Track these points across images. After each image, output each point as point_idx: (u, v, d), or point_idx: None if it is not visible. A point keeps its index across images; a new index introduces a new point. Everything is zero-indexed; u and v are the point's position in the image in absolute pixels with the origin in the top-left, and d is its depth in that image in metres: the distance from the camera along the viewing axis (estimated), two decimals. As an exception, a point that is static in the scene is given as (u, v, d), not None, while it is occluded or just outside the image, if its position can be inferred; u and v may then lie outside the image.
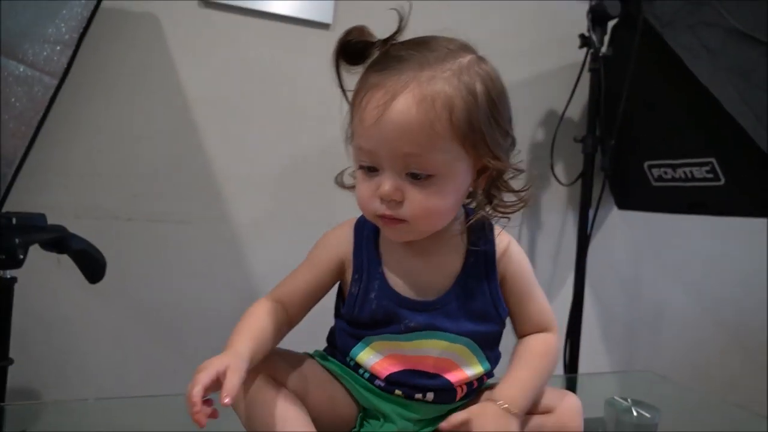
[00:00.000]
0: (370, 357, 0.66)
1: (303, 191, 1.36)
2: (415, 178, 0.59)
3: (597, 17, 1.40)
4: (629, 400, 0.89)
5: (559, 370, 1.47)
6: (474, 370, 0.67)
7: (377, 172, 0.61)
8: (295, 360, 0.67)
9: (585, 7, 1.42)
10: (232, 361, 0.54)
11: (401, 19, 0.62)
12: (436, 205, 0.61)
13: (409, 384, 0.65)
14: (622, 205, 1.62)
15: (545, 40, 1.57)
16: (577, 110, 1.59)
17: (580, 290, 1.47)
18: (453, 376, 0.66)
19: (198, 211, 1.30)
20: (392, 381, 0.65)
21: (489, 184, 0.65)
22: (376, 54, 0.62)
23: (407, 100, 0.57)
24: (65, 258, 1.01)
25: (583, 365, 1.48)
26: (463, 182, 0.63)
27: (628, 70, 1.34)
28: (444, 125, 0.58)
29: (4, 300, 0.92)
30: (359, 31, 0.62)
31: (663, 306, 1.78)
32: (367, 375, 0.67)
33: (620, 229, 1.72)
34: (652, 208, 1.53)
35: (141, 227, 1.26)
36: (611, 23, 1.44)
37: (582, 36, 1.43)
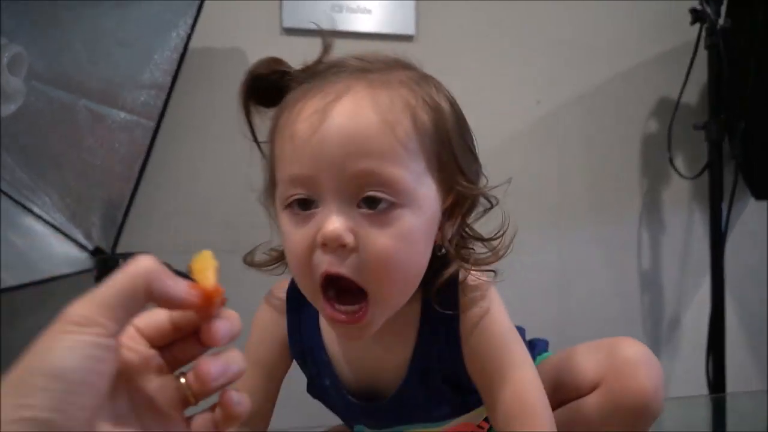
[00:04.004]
0: None
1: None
2: (372, 207, 0.43)
3: (710, -13, 1.24)
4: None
5: (703, 389, 1.29)
6: (477, 419, 0.56)
7: (314, 209, 0.44)
8: None
9: (694, -22, 1.28)
10: None
11: (326, 45, 0.49)
12: (404, 252, 0.43)
13: None
14: (760, 194, 1.42)
15: (650, 20, 1.43)
16: (694, 95, 1.42)
17: (720, 297, 1.29)
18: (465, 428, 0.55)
19: (295, 238, 1.30)
20: None
21: (457, 228, 0.49)
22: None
23: (357, 100, 0.43)
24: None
25: (732, 384, 1.29)
26: (431, 221, 0.46)
27: (754, 42, 1.17)
28: (407, 131, 0.44)
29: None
30: (273, 61, 0.50)
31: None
32: None
33: (759, 223, 1.50)
34: (799, 195, 1.33)
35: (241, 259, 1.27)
36: (727, -8, 1.28)
37: (693, 10, 1.27)
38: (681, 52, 1.36)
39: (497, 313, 0.50)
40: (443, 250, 0.48)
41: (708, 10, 1.24)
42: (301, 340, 0.52)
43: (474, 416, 0.55)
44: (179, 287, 0.32)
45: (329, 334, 0.51)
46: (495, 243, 0.50)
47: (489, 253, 0.49)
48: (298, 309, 0.53)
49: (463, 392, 0.52)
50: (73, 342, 0.27)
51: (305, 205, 0.45)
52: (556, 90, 1.40)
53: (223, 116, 1.28)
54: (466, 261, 0.49)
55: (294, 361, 0.56)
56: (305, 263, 0.44)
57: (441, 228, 0.48)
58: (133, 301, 0.30)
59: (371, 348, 0.51)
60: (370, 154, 0.43)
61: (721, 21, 1.25)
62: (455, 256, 0.48)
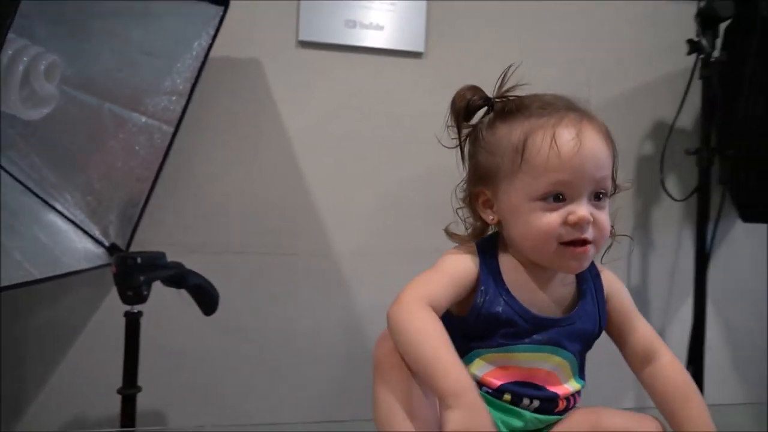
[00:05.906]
0: (480, 368, 0.68)
1: (404, 221, 1.37)
2: (597, 199, 0.66)
3: (707, 20, 1.30)
4: (769, 437, 0.81)
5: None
6: (573, 386, 0.70)
7: (561, 202, 0.66)
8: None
9: (693, 9, 1.33)
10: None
11: (503, 75, 0.70)
12: (608, 225, 0.68)
13: (519, 392, 0.68)
14: (748, 218, 1.48)
15: (650, 47, 1.49)
16: (687, 120, 1.48)
17: (701, 312, 1.35)
18: (558, 389, 0.69)
19: (304, 244, 1.35)
20: (502, 389, 0.68)
21: None
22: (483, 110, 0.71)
23: (593, 130, 0.66)
24: (185, 292, 1.08)
25: (710, 396, 1.35)
26: None
27: (746, 75, 1.24)
28: (612, 151, 0.68)
29: (132, 333, 1.00)
30: (475, 90, 0.70)
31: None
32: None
33: (743, 244, 1.57)
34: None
35: (251, 260, 1.32)
36: (723, 25, 1.34)
37: (691, 41, 1.33)
38: (678, 78, 1.42)
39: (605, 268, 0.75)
40: None
41: (704, 42, 1.30)
42: (487, 271, 0.70)
43: (571, 376, 0.71)
44: None
45: (508, 275, 0.70)
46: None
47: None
48: (484, 255, 0.71)
49: (589, 338, 0.72)
50: None
51: (556, 199, 0.65)
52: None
53: (237, 121, 1.34)
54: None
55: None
56: (552, 233, 0.65)
57: None
58: None
59: (547, 282, 0.70)
60: (606, 168, 0.66)
61: (715, 54, 1.31)
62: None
